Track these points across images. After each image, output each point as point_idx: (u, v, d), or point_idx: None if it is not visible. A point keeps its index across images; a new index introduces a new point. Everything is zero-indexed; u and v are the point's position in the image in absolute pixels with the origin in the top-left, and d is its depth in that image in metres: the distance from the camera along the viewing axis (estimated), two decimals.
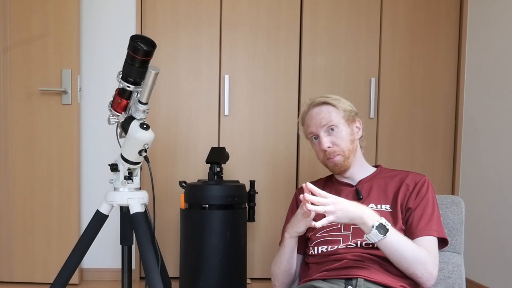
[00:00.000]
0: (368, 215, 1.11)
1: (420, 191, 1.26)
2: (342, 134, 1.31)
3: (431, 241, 1.20)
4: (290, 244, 1.29)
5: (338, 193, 1.36)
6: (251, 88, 2.46)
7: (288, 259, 1.31)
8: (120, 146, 1.49)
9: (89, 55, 2.46)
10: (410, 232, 1.21)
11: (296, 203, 1.44)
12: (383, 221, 1.10)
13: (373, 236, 1.09)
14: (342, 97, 1.38)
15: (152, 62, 1.39)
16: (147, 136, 1.41)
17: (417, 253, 1.14)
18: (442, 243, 1.25)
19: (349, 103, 1.37)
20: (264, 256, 2.42)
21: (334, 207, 1.09)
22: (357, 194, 1.31)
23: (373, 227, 1.08)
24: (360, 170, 1.36)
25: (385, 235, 1.09)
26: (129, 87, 1.40)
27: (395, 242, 1.11)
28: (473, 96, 2.44)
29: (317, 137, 1.33)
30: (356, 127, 1.37)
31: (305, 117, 1.37)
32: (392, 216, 1.24)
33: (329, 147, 1.30)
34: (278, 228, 1.47)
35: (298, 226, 1.23)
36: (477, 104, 2.40)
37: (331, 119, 1.31)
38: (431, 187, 1.28)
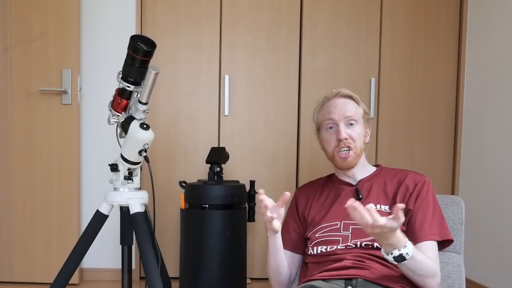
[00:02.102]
0: (394, 243, 1.05)
1: (420, 193, 1.26)
2: (359, 132, 1.32)
3: (432, 247, 1.20)
4: (272, 242, 1.29)
5: (338, 192, 1.36)
6: (251, 88, 2.46)
7: (273, 257, 1.32)
8: (120, 146, 1.49)
9: (89, 55, 2.46)
10: (411, 236, 1.21)
11: (295, 205, 1.44)
12: (404, 251, 1.05)
13: (389, 258, 1.07)
14: None
15: (152, 62, 1.39)
16: (147, 136, 1.41)
17: (430, 268, 1.12)
18: (448, 241, 1.25)
19: (366, 106, 1.39)
20: (264, 256, 2.40)
21: (376, 230, 1.01)
22: (357, 194, 1.31)
23: (391, 254, 1.06)
24: (361, 170, 1.37)
25: (400, 262, 1.07)
26: (129, 87, 1.40)
27: (411, 266, 1.09)
28: (473, 96, 2.44)
29: (333, 126, 1.32)
30: (367, 131, 1.37)
31: (327, 103, 1.35)
32: None
33: (345, 138, 1.29)
34: None
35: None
36: (477, 104, 2.40)
37: (354, 114, 1.31)
38: (431, 188, 1.28)
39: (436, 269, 1.15)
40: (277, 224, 1.22)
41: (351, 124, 1.31)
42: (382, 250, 1.09)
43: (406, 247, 1.05)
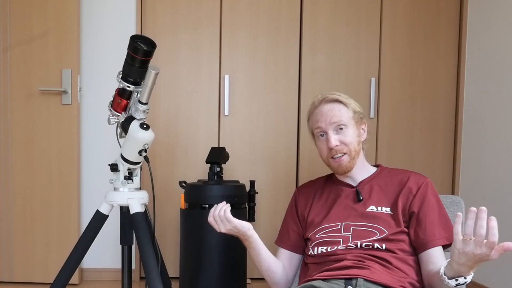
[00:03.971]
0: (468, 271, 1.02)
1: (425, 197, 1.25)
2: (350, 134, 1.30)
3: (441, 252, 1.21)
4: (247, 246, 1.32)
5: (338, 193, 1.35)
6: (251, 88, 2.46)
7: (259, 259, 1.33)
8: (120, 146, 1.49)
9: (89, 55, 2.46)
10: (419, 241, 1.22)
11: (295, 205, 1.44)
12: (469, 279, 1.02)
13: (451, 283, 1.04)
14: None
15: (152, 62, 1.39)
16: (147, 136, 1.41)
17: None
18: None
19: (358, 104, 1.36)
20: None
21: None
22: (357, 195, 1.31)
23: (455, 280, 1.03)
24: (361, 170, 1.36)
25: (456, 287, 1.04)
26: (129, 87, 1.40)
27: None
28: (473, 96, 2.44)
29: (324, 134, 1.31)
30: (362, 129, 1.36)
31: (315, 111, 1.34)
32: (393, 219, 1.24)
33: (336, 145, 1.28)
34: (278, 228, 1.47)
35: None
36: (477, 104, 2.40)
37: (341, 118, 1.29)
38: (434, 190, 1.28)
39: None
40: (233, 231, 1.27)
41: (341, 129, 1.29)
42: (444, 272, 1.03)
43: (471, 274, 1.02)
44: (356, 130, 1.32)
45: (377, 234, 1.22)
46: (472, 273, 1.01)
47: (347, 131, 1.29)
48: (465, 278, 1.02)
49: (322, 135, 1.32)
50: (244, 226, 1.27)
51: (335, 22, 2.46)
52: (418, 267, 1.24)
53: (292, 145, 2.47)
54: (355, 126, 1.32)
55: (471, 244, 0.95)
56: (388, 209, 1.26)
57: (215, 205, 1.28)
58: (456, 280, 1.02)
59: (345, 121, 1.29)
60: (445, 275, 1.04)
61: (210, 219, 1.27)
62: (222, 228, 1.26)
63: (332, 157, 1.30)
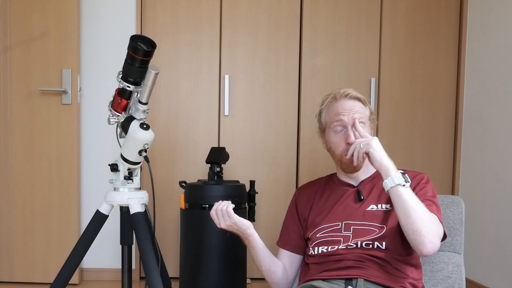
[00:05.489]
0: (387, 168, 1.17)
1: (419, 184, 1.27)
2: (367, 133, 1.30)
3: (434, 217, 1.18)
4: (248, 245, 1.32)
5: (339, 193, 1.35)
6: (251, 88, 2.46)
7: (259, 259, 1.33)
8: (120, 146, 1.49)
9: (89, 55, 2.46)
10: None
11: (295, 205, 1.44)
12: (397, 177, 1.14)
13: (395, 179, 1.13)
14: None
15: (152, 62, 1.39)
16: (147, 136, 1.41)
17: (427, 212, 1.13)
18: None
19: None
20: None
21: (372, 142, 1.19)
22: (358, 195, 1.31)
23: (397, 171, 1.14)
24: (364, 170, 1.35)
25: (404, 184, 1.12)
26: (129, 87, 1.40)
27: (410, 195, 1.12)
28: (473, 96, 2.44)
29: (343, 128, 1.29)
30: (372, 132, 1.36)
31: (336, 104, 1.31)
32: (392, 214, 1.23)
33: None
34: (278, 228, 1.48)
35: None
36: (477, 104, 2.40)
37: (363, 116, 1.30)
38: (430, 182, 1.29)
39: (435, 220, 1.14)
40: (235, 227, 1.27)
41: None
42: (385, 180, 1.15)
43: (399, 172, 1.14)
44: (369, 131, 1.32)
45: (376, 232, 1.22)
46: (392, 169, 1.15)
47: (364, 129, 1.28)
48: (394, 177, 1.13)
49: (340, 130, 1.30)
50: (244, 224, 1.27)
51: (335, 22, 2.46)
52: (418, 266, 1.24)
53: (292, 145, 2.47)
54: (370, 126, 1.33)
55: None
56: (388, 206, 1.26)
57: (220, 201, 1.28)
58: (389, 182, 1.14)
59: (364, 120, 1.30)
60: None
61: (212, 212, 1.27)
62: (222, 223, 1.26)
63: (347, 154, 1.29)
